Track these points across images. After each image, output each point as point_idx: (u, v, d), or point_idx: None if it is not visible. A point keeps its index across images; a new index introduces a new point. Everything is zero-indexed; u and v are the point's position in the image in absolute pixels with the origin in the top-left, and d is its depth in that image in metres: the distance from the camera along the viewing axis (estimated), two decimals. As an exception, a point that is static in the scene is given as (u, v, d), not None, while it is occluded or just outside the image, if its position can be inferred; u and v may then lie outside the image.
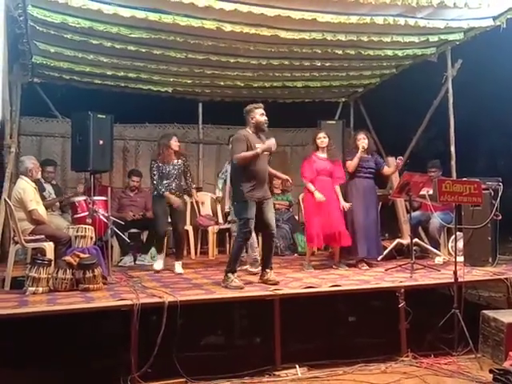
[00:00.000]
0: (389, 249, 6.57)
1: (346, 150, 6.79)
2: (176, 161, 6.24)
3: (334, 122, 8.74)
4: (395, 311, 4.95)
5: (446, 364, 4.62)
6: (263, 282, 5.24)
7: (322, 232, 6.05)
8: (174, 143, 6.22)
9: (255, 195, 5.16)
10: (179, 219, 6.21)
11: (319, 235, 6.06)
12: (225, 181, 6.83)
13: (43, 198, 6.61)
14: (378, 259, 6.38)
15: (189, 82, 8.20)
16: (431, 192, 6.17)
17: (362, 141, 6.27)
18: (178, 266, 6.12)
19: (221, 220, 7.84)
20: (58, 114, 8.63)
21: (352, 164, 6.22)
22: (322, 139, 6.24)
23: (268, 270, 5.36)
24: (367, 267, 6.18)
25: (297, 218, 8.20)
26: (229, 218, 6.78)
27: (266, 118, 5.27)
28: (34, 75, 7.87)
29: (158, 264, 6.22)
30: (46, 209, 6.48)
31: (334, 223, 6.02)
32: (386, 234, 7.12)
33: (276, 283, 5.17)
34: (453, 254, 6.47)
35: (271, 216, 5.34)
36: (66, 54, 6.89)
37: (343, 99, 9.85)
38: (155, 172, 6.13)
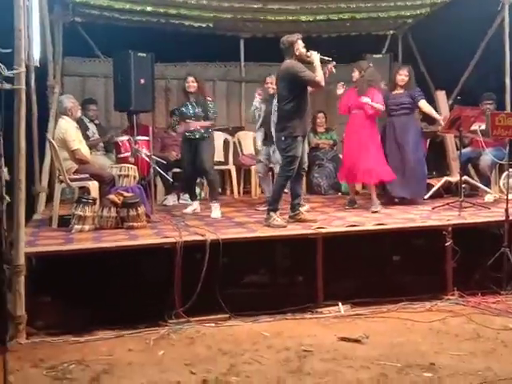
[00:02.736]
0: (436, 187, 6.36)
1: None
2: (196, 103, 6.01)
3: (380, 55, 8.40)
4: (442, 250, 4.83)
5: (493, 303, 4.54)
6: (300, 222, 5.16)
7: (346, 167, 6.01)
8: (186, 84, 6.01)
9: (305, 130, 5.08)
10: (204, 158, 5.91)
11: (344, 170, 6.06)
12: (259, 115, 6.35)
13: (87, 137, 6.66)
14: (425, 197, 6.17)
15: (229, 16, 7.96)
16: (483, 127, 5.90)
17: (402, 77, 6.08)
18: (214, 210, 5.78)
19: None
20: (101, 54, 8.54)
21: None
22: (352, 73, 6.04)
23: (301, 209, 5.28)
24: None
25: (341, 156, 8.03)
26: (259, 157, 6.52)
27: (306, 50, 5.06)
28: (75, 14, 7.75)
29: (187, 209, 6.10)
30: (90, 148, 6.56)
31: (358, 159, 5.85)
32: (434, 172, 6.86)
33: (315, 221, 5.10)
34: (504, 191, 6.26)
35: (305, 153, 5.30)
36: (106, -10, 6.79)
37: (391, 32, 9.33)
38: (173, 119, 6.04)
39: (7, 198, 3.55)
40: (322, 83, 4.96)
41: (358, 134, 5.92)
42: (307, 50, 5.02)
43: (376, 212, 5.69)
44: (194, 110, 5.98)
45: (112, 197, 5.02)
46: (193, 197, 6.29)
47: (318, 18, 8.14)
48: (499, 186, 6.44)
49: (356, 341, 3.84)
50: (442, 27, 8.63)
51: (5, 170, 3.51)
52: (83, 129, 6.70)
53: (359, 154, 5.85)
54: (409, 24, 8.96)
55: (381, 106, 5.86)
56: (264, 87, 6.30)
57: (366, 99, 5.77)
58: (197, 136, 5.92)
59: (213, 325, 4.24)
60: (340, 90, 5.98)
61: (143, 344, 3.90)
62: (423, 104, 6.16)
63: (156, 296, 4.49)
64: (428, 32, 8.78)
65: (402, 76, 6.12)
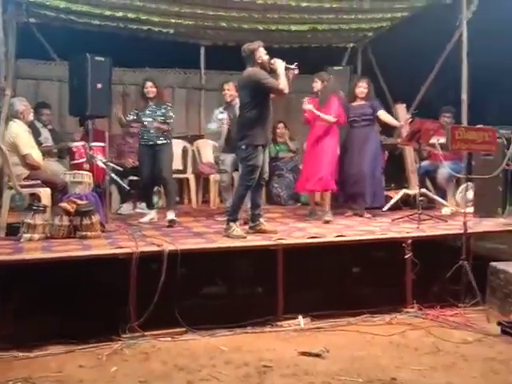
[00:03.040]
0: (395, 199, 6.40)
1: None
2: (155, 109, 5.88)
3: (340, 67, 8.44)
4: (400, 262, 4.82)
5: (452, 316, 4.53)
6: (260, 232, 5.07)
7: (304, 176, 5.99)
8: (144, 90, 5.89)
9: (266, 139, 5.02)
10: (162, 165, 5.78)
11: (302, 179, 6.04)
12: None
13: (39, 143, 6.40)
14: (383, 209, 6.20)
15: (191, 23, 7.86)
16: (442, 140, 5.95)
17: (361, 89, 6.13)
18: (170, 215, 5.65)
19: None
20: (56, 57, 8.31)
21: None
22: (313, 84, 6.03)
23: (262, 220, 5.20)
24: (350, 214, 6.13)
25: (301, 167, 8.00)
26: (221, 167, 6.41)
27: (269, 57, 4.98)
28: (29, 15, 7.53)
29: (144, 218, 5.95)
30: (43, 155, 6.33)
31: (316, 169, 5.84)
32: (393, 184, 6.91)
33: (276, 232, 5.02)
34: (461, 204, 6.34)
35: (266, 163, 5.19)
36: (62, -9, 6.58)
37: (351, 44, 9.45)
38: (131, 115, 5.92)
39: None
40: (286, 90, 4.88)
41: (318, 144, 5.92)
42: (271, 58, 4.94)
43: (328, 222, 5.67)
44: (152, 116, 5.83)
45: (64, 205, 4.81)
46: (150, 205, 6.13)
47: (279, 27, 8.12)
48: (456, 200, 6.52)
49: (316, 355, 3.75)
50: (402, 41, 8.75)
51: None
52: (35, 134, 6.43)
53: (317, 163, 5.86)
54: (369, 37, 9.06)
55: (331, 118, 5.85)
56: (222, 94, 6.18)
57: (308, 106, 5.75)
58: (157, 142, 5.78)
59: (169, 339, 4.08)
60: (309, 106, 5.88)
61: (95, 360, 3.71)
62: (382, 113, 6.18)
63: (110, 309, 4.32)
64: (388, 45, 8.90)
65: (361, 88, 6.16)
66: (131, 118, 5.96)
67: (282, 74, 4.87)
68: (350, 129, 6.19)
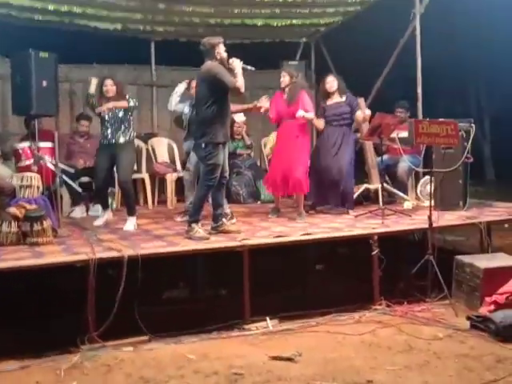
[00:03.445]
0: (356, 194, 6.32)
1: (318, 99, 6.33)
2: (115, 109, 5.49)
3: (295, 62, 8.35)
4: (366, 258, 4.75)
5: (420, 311, 4.50)
6: (223, 233, 4.90)
7: (276, 177, 5.76)
8: (104, 88, 5.51)
9: (226, 136, 4.84)
10: (123, 168, 5.45)
11: (273, 180, 5.80)
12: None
13: (-19, 145, 6.04)
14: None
15: (140, 17, 7.58)
16: (402, 134, 5.94)
17: (330, 84, 5.98)
18: (128, 223, 5.32)
19: (179, 167, 7.41)
20: (-4, 53, 7.85)
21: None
22: (281, 78, 5.79)
23: (224, 220, 5.03)
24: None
25: (259, 164, 7.87)
26: (187, 164, 6.19)
27: (227, 55, 4.83)
28: (-34, 9, 7.09)
29: (98, 221, 5.62)
30: (-14, 157, 5.97)
31: (287, 169, 5.64)
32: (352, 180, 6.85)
33: (239, 232, 4.87)
34: (422, 198, 6.36)
35: (226, 161, 5.05)
36: (0, -17, 6.20)
37: (304, 39, 9.38)
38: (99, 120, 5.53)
39: None
40: (242, 89, 4.73)
41: (289, 143, 5.69)
42: (229, 57, 4.78)
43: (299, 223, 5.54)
44: (113, 115, 5.46)
45: (13, 210, 4.49)
46: (105, 206, 5.82)
47: (232, 21, 7.94)
48: (416, 193, 6.52)
49: (288, 359, 3.61)
50: (355, 35, 8.79)
51: None
52: (-23, 136, 6.08)
53: (290, 164, 5.63)
54: (321, 32, 9.00)
55: (312, 115, 5.73)
56: (190, 91, 5.88)
57: (300, 113, 5.55)
58: (118, 141, 5.41)
59: (131, 349, 3.86)
60: (266, 103, 5.70)
61: (53, 375, 3.46)
62: (358, 115, 5.97)
63: (66, 319, 4.06)
64: (341, 40, 8.90)
65: (329, 83, 6.00)
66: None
67: (240, 74, 4.74)
68: (326, 127, 6.02)
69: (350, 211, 5.88)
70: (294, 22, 8.29)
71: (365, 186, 6.50)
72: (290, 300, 4.68)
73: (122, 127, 5.45)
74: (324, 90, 6.07)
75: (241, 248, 4.35)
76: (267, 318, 4.31)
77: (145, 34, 8.46)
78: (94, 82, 5.52)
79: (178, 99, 5.94)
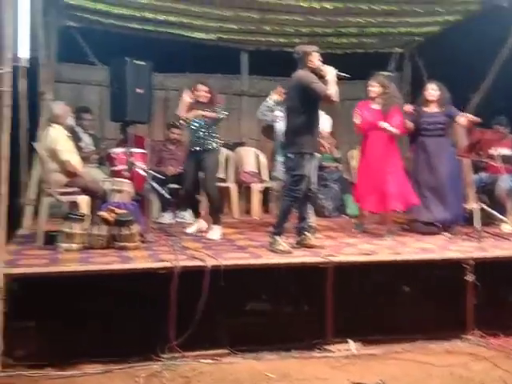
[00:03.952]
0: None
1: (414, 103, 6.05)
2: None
3: (389, 73, 8.06)
4: (460, 283, 4.44)
5: (517, 346, 4.15)
6: (306, 247, 4.77)
7: (368, 192, 5.52)
8: (197, 93, 5.50)
9: (314, 148, 4.73)
10: (207, 177, 5.48)
11: (365, 196, 5.57)
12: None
13: (79, 148, 6.23)
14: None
15: (234, 27, 7.63)
16: (503, 152, 5.56)
17: (430, 91, 5.70)
18: (214, 231, 5.36)
19: (265, 177, 7.36)
20: (97, 61, 8.19)
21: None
22: (370, 87, 5.61)
23: (308, 234, 4.89)
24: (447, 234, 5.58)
25: (346, 177, 7.67)
26: (272, 174, 6.13)
27: (322, 64, 4.72)
28: (70, 19, 7.44)
29: (191, 228, 5.64)
30: (83, 161, 6.17)
31: (382, 183, 5.41)
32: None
33: (323, 248, 4.72)
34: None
35: (314, 174, 4.95)
36: (102, -7, 6.45)
37: (399, 50, 9.09)
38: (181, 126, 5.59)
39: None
40: (335, 98, 4.60)
41: (380, 155, 5.48)
42: (322, 65, 4.67)
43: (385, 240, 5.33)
44: (202, 122, 5.51)
45: (103, 213, 4.61)
46: (196, 214, 5.85)
47: (325, 31, 7.83)
48: (517, 216, 6.09)
49: (372, 387, 3.43)
50: (453, 46, 8.36)
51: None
52: (75, 139, 6.28)
53: (384, 178, 5.41)
54: (418, 42, 8.68)
55: (398, 131, 5.49)
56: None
57: (384, 124, 5.37)
58: (206, 148, 5.45)
59: (210, 361, 3.82)
60: (384, 124, 5.45)
61: (132, 382, 3.50)
62: (459, 119, 5.64)
63: (149, 325, 4.07)
64: (438, 51, 8.50)
65: (430, 90, 5.74)
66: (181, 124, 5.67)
67: (332, 82, 4.60)
68: (419, 138, 5.75)
69: (445, 234, 5.59)
70: (390, 30, 8.04)
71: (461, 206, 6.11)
72: (374, 322, 4.45)
73: (209, 135, 5.47)
74: (423, 96, 5.81)
75: (325, 264, 4.20)
76: (350, 341, 4.13)
77: (238, 44, 8.51)
78: (185, 99, 5.51)
79: (267, 108, 5.89)
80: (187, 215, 6.41)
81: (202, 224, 5.71)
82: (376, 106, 5.58)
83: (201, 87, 5.53)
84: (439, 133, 5.68)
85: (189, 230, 5.61)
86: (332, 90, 4.57)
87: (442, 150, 5.65)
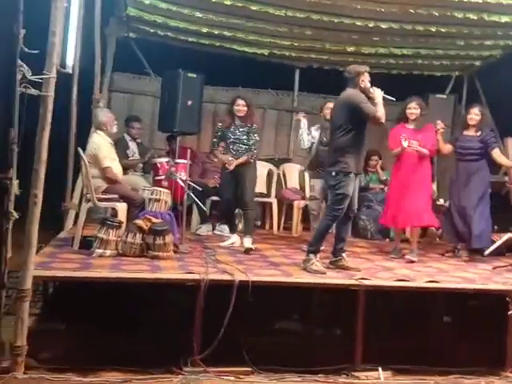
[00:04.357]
0: (497, 243, 5.67)
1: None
2: (240, 126, 5.56)
3: (444, 96, 7.86)
4: (500, 317, 4.21)
5: (560, 387, 3.88)
6: (341, 269, 4.65)
7: (395, 210, 5.47)
8: (235, 107, 5.55)
9: (359, 167, 4.67)
10: (244, 189, 5.48)
11: (391, 214, 5.53)
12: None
13: (126, 156, 6.37)
14: (485, 253, 5.54)
15: (287, 43, 7.63)
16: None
17: (472, 116, 5.55)
18: (246, 242, 5.37)
19: (308, 195, 7.27)
20: (151, 72, 8.36)
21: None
22: (412, 110, 5.50)
23: (344, 255, 4.79)
24: (466, 257, 5.50)
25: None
26: (310, 194, 6.08)
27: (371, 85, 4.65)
28: (129, 30, 7.63)
29: (225, 242, 5.67)
30: (128, 168, 6.28)
31: (409, 202, 5.36)
32: (496, 227, 6.21)
33: (358, 270, 4.59)
34: None
35: (356, 194, 4.83)
36: (161, 6, 6.59)
37: (456, 73, 8.84)
38: (215, 139, 5.63)
39: (15, 214, 3.19)
40: (382, 119, 4.55)
41: (411, 175, 5.44)
42: (371, 86, 4.60)
43: (413, 262, 5.21)
44: (237, 136, 5.55)
45: (139, 222, 4.64)
46: (232, 229, 5.85)
47: (379, 51, 7.70)
48: None
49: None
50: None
51: (15, 182, 3.15)
52: (123, 147, 6.43)
53: (410, 196, 5.39)
54: (477, 66, 8.42)
55: (426, 151, 5.43)
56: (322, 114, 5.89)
57: (414, 143, 5.35)
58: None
59: (232, 378, 3.75)
60: (405, 142, 5.43)
61: (151, 394, 3.46)
62: (496, 153, 5.54)
63: (174, 337, 4.06)
64: (497, 74, 8.21)
65: (472, 115, 5.59)
66: (216, 143, 5.72)
67: (380, 103, 4.55)
68: (456, 162, 5.69)
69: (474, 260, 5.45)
70: (448, 53, 7.83)
71: (509, 234, 5.82)
72: (408, 351, 4.26)
73: (245, 148, 5.49)
74: (464, 120, 5.73)
75: (356, 287, 4.08)
76: (379, 369, 3.98)
77: (290, 61, 8.50)
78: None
79: (307, 134, 5.85)
80: (226, 228, 6.40)
81: (235, 239, 5.72)
82: (411, 126, 5.54)
83: (240, 101, 5.57)
84: (472, 157, 5.55)
85: (223, 244, 5.61)
86: (380, 111, 4.52)
87: (474, 175, 5.53)
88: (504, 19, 6.23)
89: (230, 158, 5.49)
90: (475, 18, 6.14)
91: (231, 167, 5.45)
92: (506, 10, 5.98)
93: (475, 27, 6.70)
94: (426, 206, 5.46)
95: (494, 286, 4.35)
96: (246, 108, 5.56)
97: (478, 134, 5.57)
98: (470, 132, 5.63)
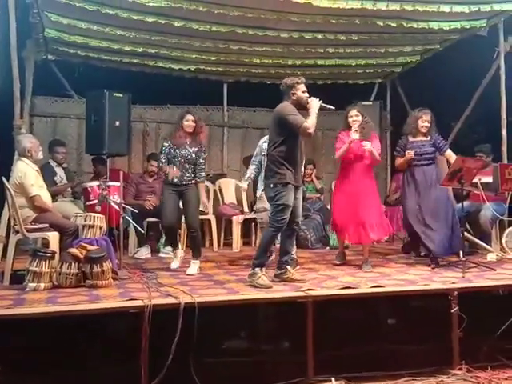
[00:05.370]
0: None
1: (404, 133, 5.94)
2: (190, 146, 5.39)
3: (370, 102, 8.07)
4: (444, 316, 4.29)
5: (506, 379, 3.99)
6: (287, 281, 4.62)
7: (345, 223, 5.45)
8: (185, 123, 5.38)
9: (296, 179, 4.61)
10: (190, 210, 5.32)
11: (342, 226, 5.50)
12: (259, 165, 5.73)
13: (54, 183, 6.10)
14: (421, 255, 5.67)
15: (213, 58, 7.62)
16: (485, 180, 5.47)
17: (425, 124, 5.60)
18: (193, 266, 5.20)
19: (246, 209, 7.23)
20: (74, 94, 8.12)
21: (399, 163, 5.68)
22: (354, 118, 5.47)
23: (289, 268, 4.76)
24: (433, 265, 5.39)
25: (329, 207, 7.56)
26: (256, 206, 6.05)
27: (308, 95, 4.62)
28: (48, 51, 7.42)
29: (174, 263, 5.46)
30: (57, 195, 6.01)
31: (360, 213, 5.33)
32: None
33: (304, 281, 4.58)
34: (507, 250, 5.83)
35: (300, 206, 4.79)
36: (80, 26, 6.41)
37: (379, 80, 9.15)
38: (163, 155, 5.41)
39: None
40: (310, 131, 4.49)
41: (358, 184, 5.42)
42: (309, 97, 4.60)
43: (368, 272, 5.21)
44: (188, 155, 5.37)
45: (74, 250, 4.41)
46: (176, 248, 5.59)
47: (305, 62, 7.84)
48: (501, 244, 5.97)
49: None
50: (433, 76, 8.39)
51: None
52: (50, 174, 6.16)
53: (364, 208, 5.35)
54: (398, 72, 8.73)
55: (378, 157, 5.45)
56: None
57: (368, 145, 5.30)
58: (183, 183, 5.32)
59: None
60: (356, 135, 5.37)
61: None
62: (449, 154, 5.58)
63: (119, 367, 3.87)
64: (417, 80, 8.53)
65: (426, 123, 5.60)
66: (164, 162, 5.46)
67: (313, 114, 4.53)
68: (407, 168, 5.64)
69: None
70: (369, 61, 8.06)
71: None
72: (357, 358, 4.25)
73: (191, 167, 5.37)
74: (415, 127, 5.65)
75: (304, 299, 4.04)
76: (332, 379, 3.95)
77: (217, 76, 8.48)
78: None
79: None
80: (167, 249, 6.25)
81: (179, 253, 5.55)
82: (356, 136, 5.47)
83: (190, 117, 5.43)
84: (427, 162, 5.59)
85: (173, 265, 5.43)
86: (310, 122, 4.48)
87: (430, 179, 5.54)
88: (421, 25, 6.49)
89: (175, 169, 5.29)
90: (394, 25, 6.35)
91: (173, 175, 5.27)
92: (423, 16, 6.22)
93: (395, 34, 6.92)
94: (377, 219, 5.41)
95: (436, 285, 4.43)
96: (194, 124, 5.43)
97: (428, 138, 5.62)
98: (419, 137, 5.65)
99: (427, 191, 5.49)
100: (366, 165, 5.44)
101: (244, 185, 5.89)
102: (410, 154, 5.49)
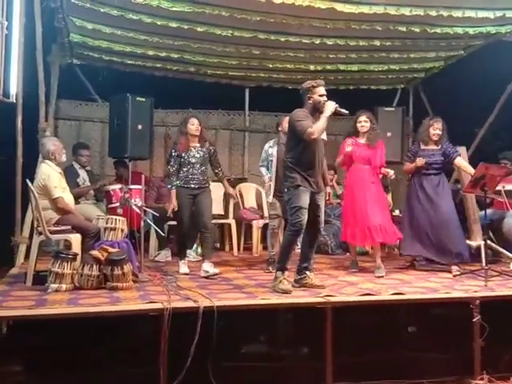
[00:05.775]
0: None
1: (413, 142, 5.93)
2: (198, 148, 5.46)
3: (392, 108, 8.00)
4: (466, 325, 4.24)
5: (528, 390, 3.92)
6: (306, 287, 4.61)
7: (353, 227, 5.44)
8: (191, 127, 5.45)
9: (310, 183, 4.58)
10: (204, 211, 5.37)
11: (350, 232, 5.49)
12: (267, 168, 5.79)
13: (77, 184, 6.18)
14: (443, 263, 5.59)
15: (234, 63, 7.63)
16: (509, 187, 5.40)
17: (437, 131, 5.59)
18: (206, 266, 5.21)
19: (266, 213, 7.22)
20: (98, 98, 8.21)
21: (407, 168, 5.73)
22: (363, 123, 5.51)
23: (309, 273, 4.74)
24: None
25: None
26: (268, 213, 6.02)
27: (326, 99, 4.59)
28: (73, 56, 7.51)
29: (184, 268, 5.43)
30: (79, 197, 6.08)
31: (367, 217, 5.32)
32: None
33: (323, 287, 4.56)
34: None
35: (321, 211, 4.75)
36: (105, 31, 6.46)
37: (402, 85, 9.07)
38: (172, 163, 5.44)
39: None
40: (314, 136, 4.46)
41: (365, 188, 5.44)
42: (326, 100, 4.58)
43: (381, 277, 5.19)
44: (198, 156, 5.45)
45: (95, 253, 4.46)
46: (184, 257, 5.56)
47: (326, 67, 7.81)
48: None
49: None
50: (457, 81, 8.30)
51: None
52: (73, 176, 6.24)
53: (365, 211, 5.37)
54: (421, 78, 8.65)
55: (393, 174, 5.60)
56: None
57: (390, 171, 5.51)
58: (201, 185, 5.41)
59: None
60: (349, 147, 5.47)
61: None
62: (459, 161, 5.60)
63: (138, 369, 3.89)
64: (441, 86, 8.45)
65: (437, 130, 5.60)
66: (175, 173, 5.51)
67: (323, 117, 4.51)
68: (418, 176, 5.65)
69: (455, 268, 5.41)
70: (392, 67, 8.00)
71: (466, 242, 5.92)
72: (377, 365, 4.24)
73: (204, 170, 5.42)
74: (426, 135, 5.66)
75: (323, 305, 4.03)
76: (351, 385, 3.93)
77: (239, 80, 8.51)
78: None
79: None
80: (192, 253, 6.29)
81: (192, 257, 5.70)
82: (362, 141, 5.53)
83: (195, 120, 5.52)
84: (436, 171, 5.59)
85: (182, 270, 5.41)
86: (315, 126, 4.46)
87: (440, 188, 5.55)
88: (445, 30, 6.42)
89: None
90: (418, 30, 6.28)
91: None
92: (447, 22, 6.15)
93: (418, 40, 6.85)
94: (385, 221, 5.40)
95: (457, 293, 4.38)
96: (200, 127, 5.49)
97: (439, 147, 5.62)
98: (431, 146, 5.66)
99: (435, 201, 5.50)
100: (370, 170, 5.48)
101: (270, 199, 5.78)
102: (421, 161, 5.50)
